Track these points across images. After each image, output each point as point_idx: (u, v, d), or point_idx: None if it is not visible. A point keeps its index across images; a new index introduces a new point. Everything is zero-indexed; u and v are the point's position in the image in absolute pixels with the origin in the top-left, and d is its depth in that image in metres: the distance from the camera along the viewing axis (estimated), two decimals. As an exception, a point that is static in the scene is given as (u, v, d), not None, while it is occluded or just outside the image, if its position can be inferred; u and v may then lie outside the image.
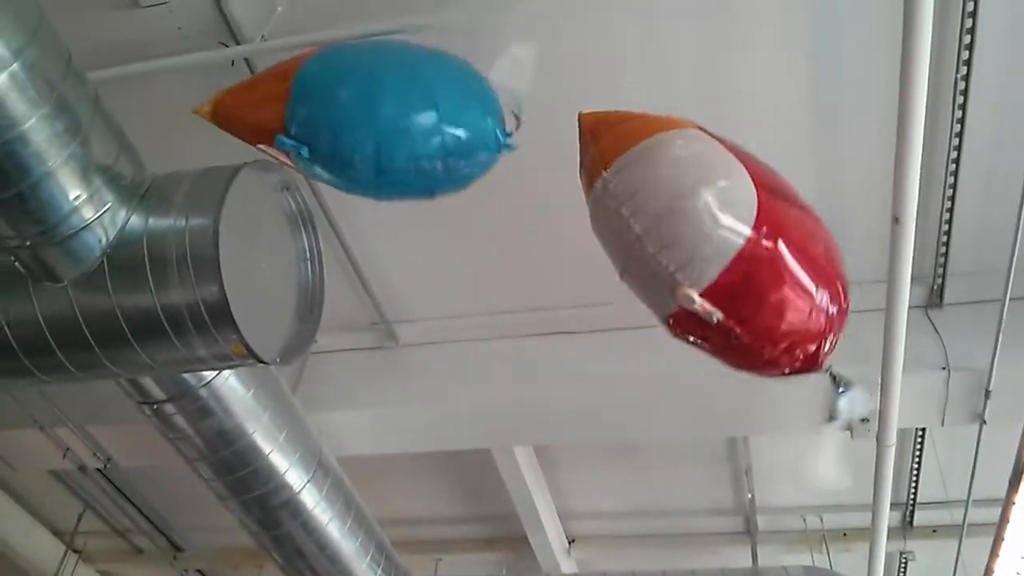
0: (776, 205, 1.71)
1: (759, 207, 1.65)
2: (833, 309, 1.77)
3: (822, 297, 1.73)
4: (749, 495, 4.61)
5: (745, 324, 1.69)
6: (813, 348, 1.78)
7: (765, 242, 1.65)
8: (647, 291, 1.79)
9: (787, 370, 1.81)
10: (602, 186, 1.72)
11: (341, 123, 1.88)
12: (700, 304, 1.65)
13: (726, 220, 1.62)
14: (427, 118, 1.92)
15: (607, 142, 1.76)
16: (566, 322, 3.73)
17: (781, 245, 1.67)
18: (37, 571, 5.55)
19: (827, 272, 1.78)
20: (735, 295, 1.66)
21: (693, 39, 2.76)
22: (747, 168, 1.71)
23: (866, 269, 3.35)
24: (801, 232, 1.76)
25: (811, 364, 1.81)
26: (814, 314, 1.73)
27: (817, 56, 2.78)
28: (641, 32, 2.75)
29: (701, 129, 1.80)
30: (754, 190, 1.67)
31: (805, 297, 1.71)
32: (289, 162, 1.98)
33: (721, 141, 1.79)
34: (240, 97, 2.07)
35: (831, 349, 1.83)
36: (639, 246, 1.66)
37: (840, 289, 1.80)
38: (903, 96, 2.15)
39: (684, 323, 1.75)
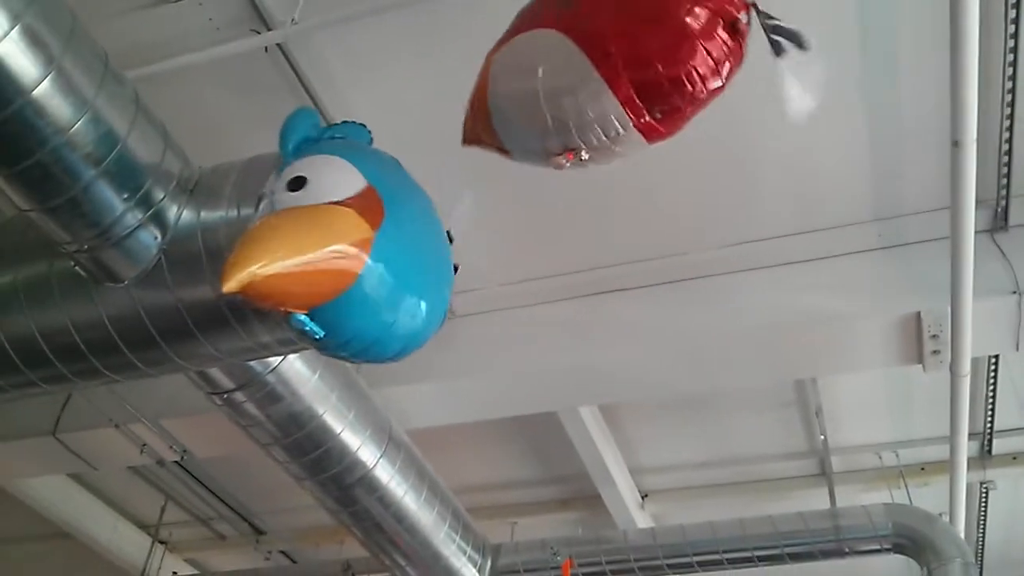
0: None
1: None
2: None
3: None
4: (822, 436, 4.55)
5: None
6: None
7: None
8: None
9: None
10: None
11: (379, 338, 1.78)
12: None
13: None
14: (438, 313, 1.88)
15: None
16: (620, 279, 3.71)
17: None
18: (127, 564, 5.74)
19: None
20: None
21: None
22: None
23: (928, 198, 3.27)
24: None
25: None
26: None
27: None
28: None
29: None
30: None
31: None
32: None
33: None
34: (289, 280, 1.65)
35: None
36: None
37: None
38: (955, 17, 2.08)
39: None
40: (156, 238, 1.96)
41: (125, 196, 1.86)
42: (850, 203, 3.40)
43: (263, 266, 1.55)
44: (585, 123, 1.70)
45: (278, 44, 2.86)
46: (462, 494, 3.95)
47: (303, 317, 1.67)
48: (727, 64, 1.63)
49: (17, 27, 1.56)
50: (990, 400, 4.22)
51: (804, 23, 1.59)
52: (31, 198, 1.79)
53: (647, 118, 1.67)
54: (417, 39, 2.95)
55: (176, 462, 4.51)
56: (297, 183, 1.70)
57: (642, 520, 5.03)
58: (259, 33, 2.83)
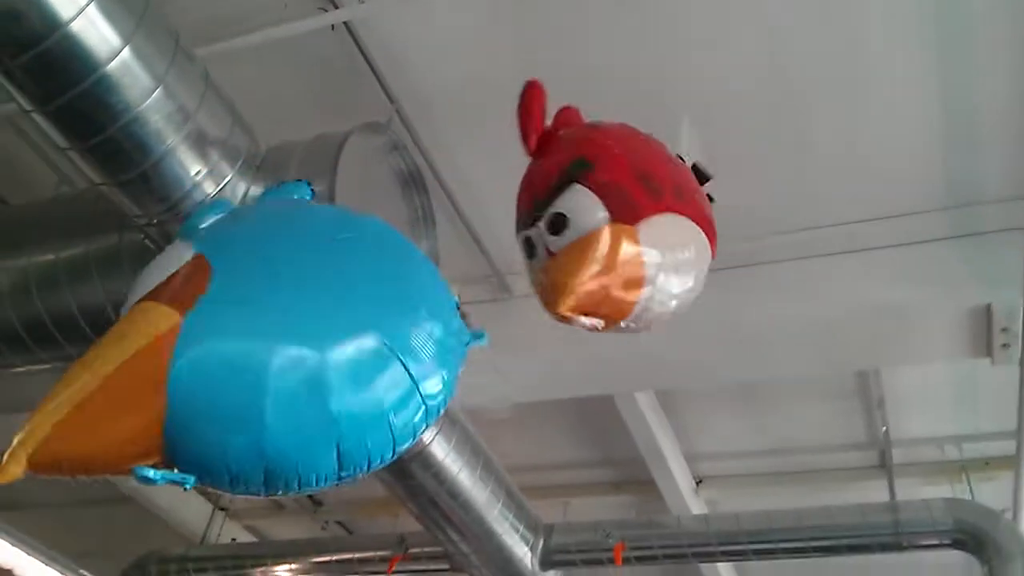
0: None
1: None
2: None
3: None
4: (883, 428, 4.47)
5: None
6: None
7: None
8: None
9: None
10: None
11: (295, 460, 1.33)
12: None
13: None
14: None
15: None
16: (680, 263, 3.67)
17: None
18: (188, 530, 5.90)
19: None
20: None
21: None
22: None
23: (1003, 186, 3.17)
24: None
25: None
26: None
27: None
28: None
29: None
30: None
31: None
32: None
33: None
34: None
35: None
36: None
37: None
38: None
39: None
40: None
41: (194, 172, 1.90)
42: (921, 190, 3.30)
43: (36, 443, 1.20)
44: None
45: (345, 23, 2.88)
46: (516, 473, 3.97)
47: (150, 473, 1.24)
48: None
49: (93, 3, 1.60)
50: (1060, 396, 4.08)
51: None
52: (103, 172, 1.85)
53: None
54: (491, 19, 2.93)
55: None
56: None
57: (696, 506, 5.00)
58: (327, 11, 2.85)
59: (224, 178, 1.96)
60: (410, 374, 1.39)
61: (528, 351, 3.79)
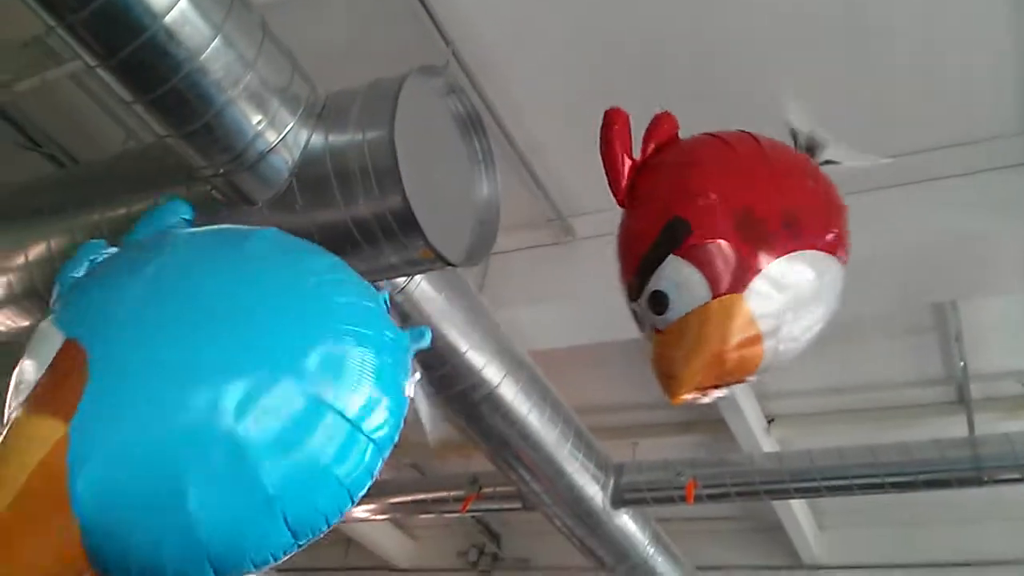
0: None
1: None
2: None
3: None
4: (961, 362, 4.35)
5: None
6: None
7: None
8: None
9: None
10: None
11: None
12: None
13: None
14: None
15: None
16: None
17: None
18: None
19: None
20: None
21: None
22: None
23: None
24: None
25: None
26: None
27: None
28: None
29: None
30: None
31: None
32: None
33: None
34: None
35: None
36: None
37: None
38: None
39: None
40: (287, 162, 2.01)
41: (256, 121, 1.91)
42: (998, 115, 3.16)
43: None
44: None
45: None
46: (584, 414, 3.99)
47: None
48: None
49: (149, -46, 1.60)
50: None
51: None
52: (168, 124, 1.87)
53: None
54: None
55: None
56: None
57: (767, 445, 4.97)
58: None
59: (286, 126, 1.97)
60: (344, 417, 1.22)
61: (594, 292, 3.77)
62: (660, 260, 1.65)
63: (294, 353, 1.22)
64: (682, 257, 1.61)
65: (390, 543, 7.45)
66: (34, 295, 2.53)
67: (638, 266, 1.71)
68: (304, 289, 1.32)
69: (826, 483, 4.04)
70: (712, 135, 1.85)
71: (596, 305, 3.80)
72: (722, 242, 1.59)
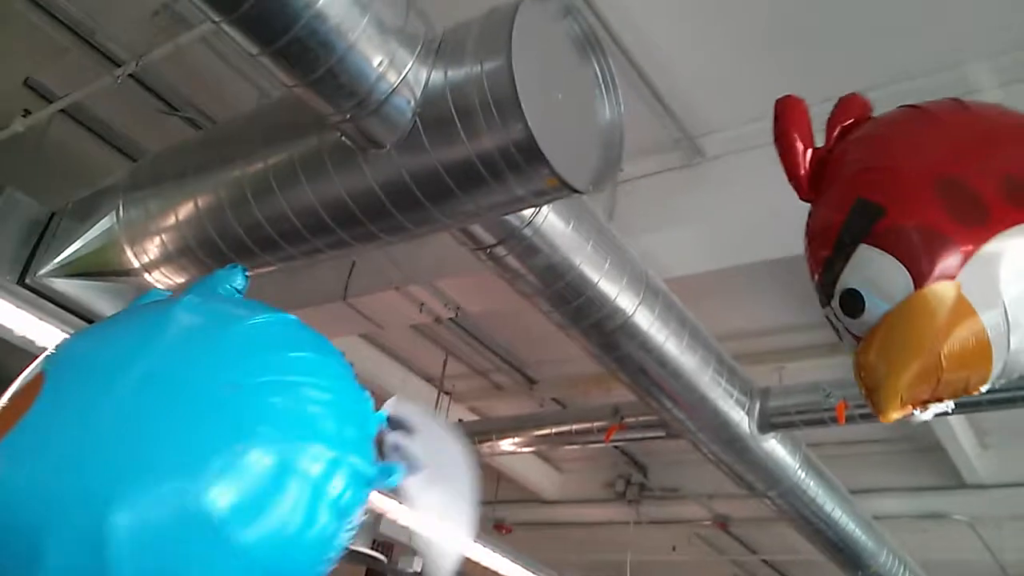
0: None
1: None
2: None
3: None
4: None
5: None
6: None
7: None
8: None
9: None
10: None
11: None
12: None
13: None
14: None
15: None
16: (883, 103, 3.37)
17: None
18: (413, 413, 6.34)
19: None
20: None
21: None
22: None
23: None
24: None
25: None
26: None
27: None
28: None
29: None
30: None
31: None
32: None
33: None
34: None
35: None
36: None
37: None
38: None
39: None
40: (409, 102, 2.04)
41: (377, 63, 1.93)
42: None
43: None
44: None
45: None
46: (725, 341, 3.92)
47: None
48: None
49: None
50: None
51: None
52: (293, 74, 1.92)
53: None
54: None
55: (451, 319, 4.83)
56: None
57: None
58: None
59: (405, 66, 1.99)
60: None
61: (728, 214, 3.67)
62: (849, 253, 1.40)
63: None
64: (874, 245, 1.36)
65: (538, 476, 7.66)
66: (187, 253, 2.69)
67: (824, 263, 1.47)
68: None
69: (988, 395, 3.82)
70: (910, 106, 1.57)
71: (731, 227, 3.70)
72: (923, 222, 1.33)
